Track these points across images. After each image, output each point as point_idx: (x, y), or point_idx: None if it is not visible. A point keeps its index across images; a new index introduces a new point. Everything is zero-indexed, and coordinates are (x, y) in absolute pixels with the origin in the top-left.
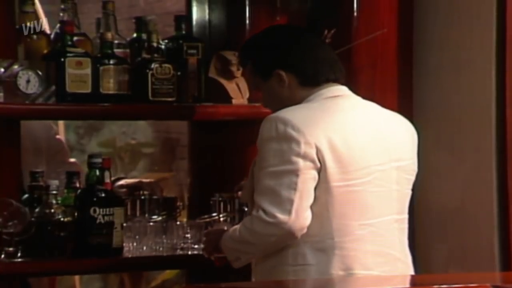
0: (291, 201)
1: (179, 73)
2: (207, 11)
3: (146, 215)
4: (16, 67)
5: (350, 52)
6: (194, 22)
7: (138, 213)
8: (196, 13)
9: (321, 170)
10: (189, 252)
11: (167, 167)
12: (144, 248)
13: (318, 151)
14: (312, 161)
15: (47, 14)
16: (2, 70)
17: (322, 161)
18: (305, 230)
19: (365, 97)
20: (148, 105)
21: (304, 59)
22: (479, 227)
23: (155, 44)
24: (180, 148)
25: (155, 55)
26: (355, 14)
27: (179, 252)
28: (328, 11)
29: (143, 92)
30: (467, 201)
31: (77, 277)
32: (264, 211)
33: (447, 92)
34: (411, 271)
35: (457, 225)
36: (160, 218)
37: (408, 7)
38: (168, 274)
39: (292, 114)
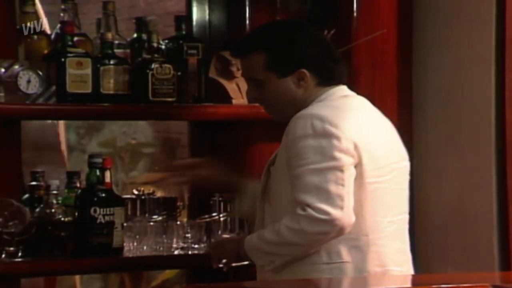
0: (341, 197)
1: (179, 73)
2: (207, 11)
3: (147, 215)
4: (16, 67)
5: (350, 52)
6: (194, 23)
7: (138, 213)
8: (196, 14)
9: (357, 166)
10: (189, 252)
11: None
12: (145, 248)
13: (355, 147)
14: (352, 156)
15: (47, 15)
16: (3, 70)
17: (359, 156)
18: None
19: (365, 97)
20: (148, 105)
21: (325, 59)
22: (478, 227)
23: (155, 45)
24: (180, 148)
25: (155, 55)
26: (355, 14)
27: (179, 252)
28: (328, 11)
29: (143, 92)
30: (467, 201)
31: (77, 277)
32: (313, 208)
33: (447, 92)
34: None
35: (456, 225)
36: (160, 218)
37: (407, 8)
38: (168, 274)
39: (325, 110)
